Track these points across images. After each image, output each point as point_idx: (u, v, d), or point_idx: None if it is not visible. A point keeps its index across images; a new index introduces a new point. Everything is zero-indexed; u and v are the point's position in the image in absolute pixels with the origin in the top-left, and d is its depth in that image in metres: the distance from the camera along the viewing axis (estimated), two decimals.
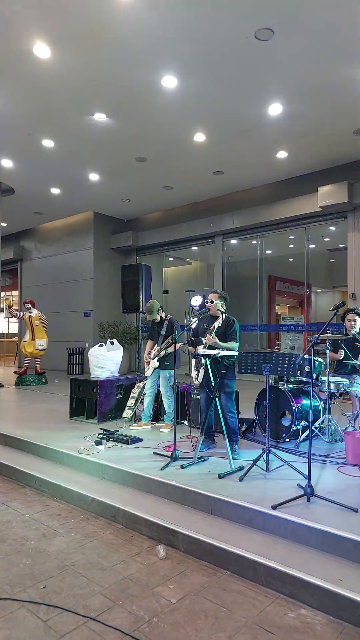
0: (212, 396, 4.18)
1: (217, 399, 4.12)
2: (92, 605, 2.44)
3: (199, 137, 7.06)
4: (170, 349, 5.22)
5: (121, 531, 3.37)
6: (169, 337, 5.15)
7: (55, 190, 9.74)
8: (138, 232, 11.45)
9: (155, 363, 5.28)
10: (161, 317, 5.45)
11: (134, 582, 2.68)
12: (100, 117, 6.49)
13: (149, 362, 5.38)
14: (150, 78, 5.52)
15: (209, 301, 4.46)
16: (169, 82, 5.56)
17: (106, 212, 11.40)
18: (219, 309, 4.45)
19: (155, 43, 4.90)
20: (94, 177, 8.84)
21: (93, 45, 4.96)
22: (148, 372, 5.40)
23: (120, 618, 2.34)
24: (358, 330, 5.04)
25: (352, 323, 5.02)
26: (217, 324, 4.31)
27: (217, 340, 4.22)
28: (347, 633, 2.20)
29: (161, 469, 3.90)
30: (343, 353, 4.98)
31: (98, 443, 4.71)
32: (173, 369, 5.34)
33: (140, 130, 6.89)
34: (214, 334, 4.25)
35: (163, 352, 5.22)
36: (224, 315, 4.41)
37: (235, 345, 4.29)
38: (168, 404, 5.39)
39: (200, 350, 4.21)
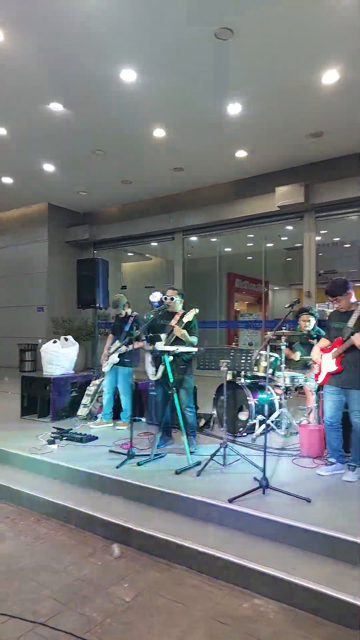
0: (170, 392, 4.15)
1: (175, 395, 4.09)
2: (42, 610, 2.34)
3: (159, 133, 7.00)
4: (133, 346, 5.11)
5: (74, 532, 3.27)
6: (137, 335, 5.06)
7: (6, 180, 9.36)
8: (95, 225, 11.21)
9: (115, 359, 5.17)
10: (126, 313, 5.34)
11: (87, 583, 2.60)
12: (56, 107, 6.28)
13: (108, 357, 5.27)
14: (109, 70, 5.39)
15: (169, 297, 4.43)
16: (128, 75, 5.47)
17: (62, 204, 11.08)
18: (178, 305, 4.43)
19: (115, 36, 4.79)
20: (48, 167, 8.56)
21: (50, 33, 4.78)
22: (106, 368, 5.27)
23: (71, 621, 2.26)
24: (312, 328, 5.17)
25: (307, 323, 5.15)
26: (187, 318, 4.29)
27: (186, 332, 4.20)
28: (298, 619, 2.24)
29: (117, 467, 3.82)
30: (299, 354, 5.09)
31: (51, 442, 4.56)
32: (132, 366, 5.27)
33: (99, 123, 6.74)
34: (181, 327, 4.22)
35: (124, 348, 5.10)
36: (196, 310, 4.41)
37: (195, 339, 4.29)
38: (126, 401, 5.29)
39: (159, 346, 4.17)
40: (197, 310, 4.36)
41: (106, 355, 5.30)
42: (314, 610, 2.25)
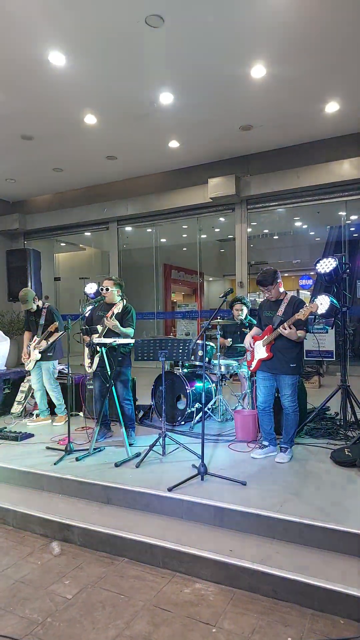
0: (107, 385, 4.11)
1: (113, 388, 4.07)
2: None
3: (90, 119, 6.79)
4: (53, 338, 4.98)
5: (12, 532, 3.17)
6: (51, 326, 4.92)
7: None
8: (26, 214, 10.70)
9: (36, 355, 4.98)
10: (38, 305, 5.13)
11: (26, 584, 2.54)
12: None
13: (29, 355, 5.06)
14: (36, 52, 5.11)
15: (105, 288, 4.36)
16: (57, 59, 5.22)
17: None
18: (115, 296, 4.38)
19: (42, 16, 4.54)
20: None
21: None
22: (30, 366, 5.06)
23: (11, 625, 2.20)
24: (244, 317, 5.36)
25: (239, 312, 5.33)
26: (117, 309, 4.24)
27: (118, 323, 4.15)
28: (237, 598, 2.36)
29: (55, 464, 3.74)
30: (231, 341, 5.27)
31: None
32: (55, 359, 5.13)
33: (27, 107, 6.39)
34: (113, 318, 4.17)
35: (45, 343, 4.94)
36: (124, 301, 4.36)
37: (131, 331, 4.28)
38: (56, 396, 5.16)
39: (95, 339, 4.11)
40: (125, 301, 4.35)
41: (26, 353, 5.09)
42: (250, 588, 2.39)
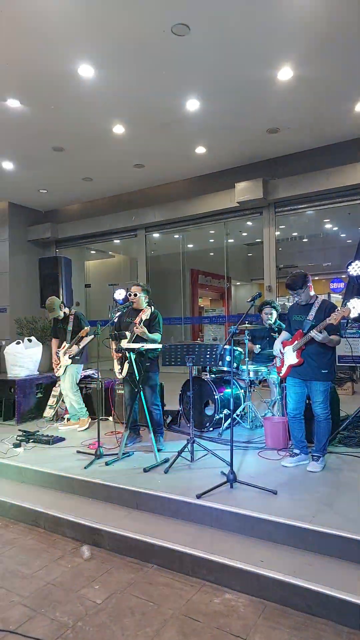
0: (136, 390, 4.13)
1: (141, 393, 4.08)
2: (12, 618, 2.29)
3: (118, 129, 6.91)
4: (83, 343, 5.05)
5: (43, 535, 3.22)
6: (82, 331, 4.99)
7: None
8: (57, 224, 10.98)
9: (67, 361, 5.06)
10: (65, 312, 5.23)
11: (57, 587, 2.57)
12: (13, 103, 6.08)
13: (59, 362, 5.13)
14: (66, 66, 5.26)
15: (133, 294, 4.40)
16: (86, 71, 5.35)
17: (22, 202, 10.77)
18: (143, 302, 4.41)
19: (71, 31, 4.68)
20: (7, 165, 8.29)
21: (4, 29, 4.60)
22: (60, 372, 5.15)
23: (42, 627, 2.23)
24: (274, 321, 5.28)
25: (269, 315, 5.25)
26: (145, 316, 4.26)
27: (146, 330, 4.18)
28: (267, 611, 2.30)
29: (85, 468, 3.79)
30: (259, 347, 5.18)
31: (16, 445, 4.45)
32: (82, 363, 5.20)
33: (57, 119, 6.58)
34: (141, 325, 4.20)
35: (75, 348, 5.02)
36: (152, 307, 4.38)
37: (158, 336, 4.29)
38: (76, 400, 5.19)
39: (124, 344, 4.14)
40: (153, 307, 4.37)
41: (56, 360, 5.18)
42: (282, 601, 2.32)
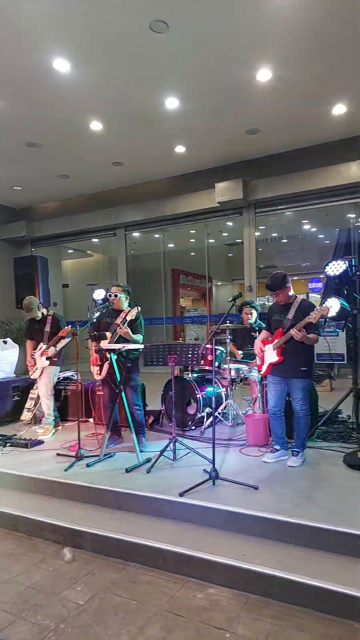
0: (117, 391, 4.11)
1: (122, 393, 4.06)
2: None
3: (96, 126, 6.85)
4: (61, 344, 4.97)
5: (23, 539, 3.17)
6: (62, 331, 4.90)
7: None
8: (32, 222, 10.78)
9: (44, 362, 4.95)
10: (42, 313, 5.12)
11: (38, 590, 2.54)
12: None
13: (34, 364, 5.01)
14: (42, 60, 5.18)
15: (113, 295, 4.37)
16: (61, 65, 5.28)
17: None
18: (123, 303, 4.39)
19: (46, 23, 4.60)
20: None
21: None
22: (35, 374, 5.02)
23: (23, 632, 2.19)
24: (254, 320, 5.33)
25: (249, 315, 5.30)
26: (130, 316, 4.22)
27: (129, 331, 4.15)
28: (250, 603, 2.33)
29: (65, 470, 3.74)
30: (241, 353, 5.19)
31: None
32: (59, 365, 5.11)
33: (32, 114, 6.46)
34: (125, 325, 4.17)
35: (53, 349, 4.94)
36: (138, 308, 4.35)
37: (140, 337, 4.27)
38: (47, 404, 5.03)
39: (105, 345, 4.11)
40: (140, 308, 4.33)
41: (31, 361, 5.04)
42: (264, 592, 2.35)
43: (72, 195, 10.34)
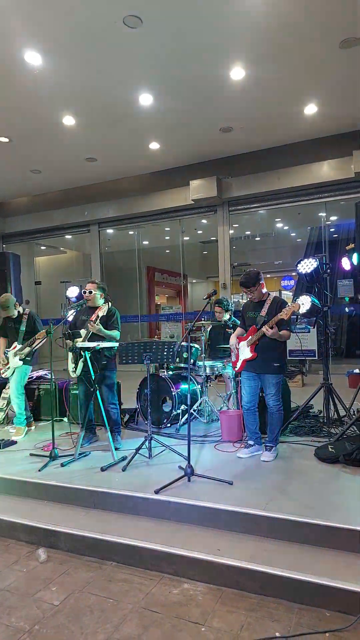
0: (92, 389, 4.08)
1: (97, 392, 4.04)
2: None
3: (69, 121, 6.75)
4: (37, 344, 4.87)
5: None
6: (39, 333, 4.80)
7: None
8: (4, 217, 10.56)
9: (17, 362, 4.86)
10: (18, 311, 5.01)
11: (12, 592, 2.50)
12: None
13: (7, 363, 4.90)
14: (12, 51, 5.06)
15: (87, 292, 4.33)
16: (33, 58, 5.18)
17: None
18: (98, 300, 4.35)
19: (17, 14, 4.50)
20: None
21: None
22: (7, 373, 4.91)
23: None
24: (228, 318, 5.39)
25: (220, 315, 5.35)
26: (102, 312, 4.20)
27: (101, 327, 4.12)
28: (225, 597, 2.37)
29: (39, 470, 3.70)
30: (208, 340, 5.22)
31: None
32: (31, 365, 5.03)
33: (3, 107, 6.31)
34: (98, 322, 4.13)
35: (28, 349, 4.85)
36: (109, 304, 4.33)
37: (117, 333, 4.25)
38: (18, 403, 4.92)
39: (79, 343, 4.07)
40: (110, 304, 4.31)
41: (4, 359, 4.94)
42: (238, 586, 2.40)
43: (45, 191, 10.16)
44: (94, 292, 4.33)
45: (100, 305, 4.35)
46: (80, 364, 4.17)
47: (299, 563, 2.39)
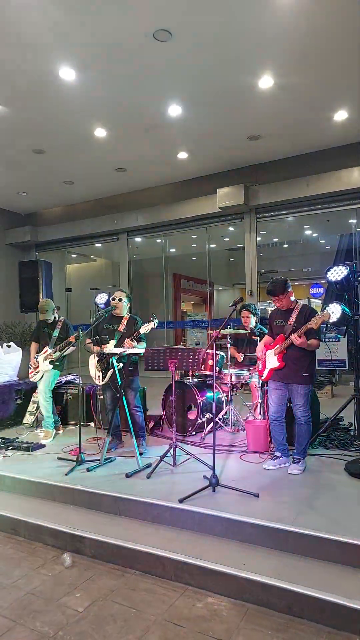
0: (118, 395, 4.11)
1: (123, 397, 4.06)
2: None
3: (100, 133, 6.90)
4: (68, 350, 4.97)
5: (23, 544, 3.17)
6: (72, 337, 4.89)
7: None
8: (37, 227, 10.86)
9: (47, 366, 4.93)
10: (55, 317, 5.14)
11: (38, 596, 2.53)
12: None
13: (37, 366, 4.99)
14: (47, 68, 5.24)
15: (117, 299, 4.38)
16: (67, 74, 5.34)
17: (1, 205, 10.63)
18: (125, 308, 4.40)
19: (52, 33, 4.66)
20: None
21: None
22: (36, 377, 5.00)
23: (21, 638, 2.18)
24: (254, 325, 5.33)
25: (247, 319, 5.29)
26: (144, 330, 4.20)
27: (136, 343, 4.18)
28: (250, 614, 2.31)
29: (66, 474, 3.74)
30: (242, 356, 5.18)
31: None
32: (61, 370, 5.11)
33: (38, 121, 6.53)
34: (134, 340, 4.18)
35: (58, 354, 4.93)
36: (152, 322, 4.30)
37: (143, 345, 4.28)
38: (46, 407, 4.98)
39: (107, 349, 4.12)
40: (155, 324, 4.22)
41: (35, 363, 5.03)
42: (263, 603, 2.33)
43: (76, 201, 10.40)
44: (123, 299, 4.38)
45: (125, 315, 4.39)
46: (110, 372, 4.19)
47: (327, 583, 2.31)
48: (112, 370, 4.09)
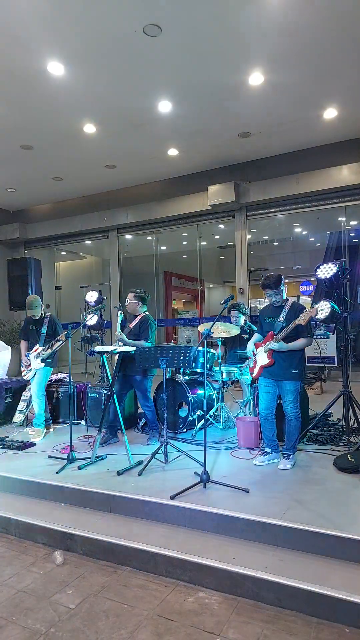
0: (108, 393, 4.12)
1: (114, 396, 4.07)
2: None
3: (89, 129, 6.85)
4: (56, 346, 4.95)
5: (14, 542, 3.16)
6: (62, 335, 4.88)
7: None
8: (26, 224, 10.75)
9: (39, 364, 4.93)
10: (41, 314, 5.11)
11: (29, 594, 2.53)
12: None
13: (29, 364, 4.98)
14: (35, 62, 5.18)
15: (127, 300, 4.68)
16: (56, 68, 5.29)
17: None
18: (137, 308, 4.61)
19: (41, 27, 4.61)
20: None
21: None
22: (29, 375, 4.99)
23: (13, 636, 2.18)
24: (244, 323, 5.36)
25: (235, 318, 5.32)
26: (134, 324, 4.52)
27: (135, 342, 4.41)
28: (240, 607, 2.34)
29: (57, 473, 3.73)
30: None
31: None
32: (52, 367, 5.11)
33: (26, 117, 6.46)
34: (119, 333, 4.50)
35: (50, 351, 4.93)
36: (147, 313, 4.64)
37: (143, 343, 4.44)
38: (39, 404, 4.99)
39: (97, 347, 4.16)
40: (146, 314, 4.62)
41: (26, 361, 5.02)
42: (254, 596, 2.37)
43: (66, 198, 10.32)
44: (130, 301, 4.60)
45: (140, 313, 4.62)
46: (117, 364, 4.32)
47: (316, 575, 2.35)
48: (118, 361, 4.25)
